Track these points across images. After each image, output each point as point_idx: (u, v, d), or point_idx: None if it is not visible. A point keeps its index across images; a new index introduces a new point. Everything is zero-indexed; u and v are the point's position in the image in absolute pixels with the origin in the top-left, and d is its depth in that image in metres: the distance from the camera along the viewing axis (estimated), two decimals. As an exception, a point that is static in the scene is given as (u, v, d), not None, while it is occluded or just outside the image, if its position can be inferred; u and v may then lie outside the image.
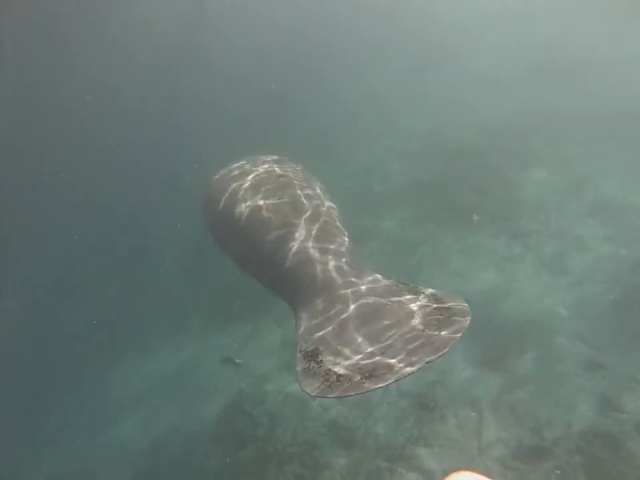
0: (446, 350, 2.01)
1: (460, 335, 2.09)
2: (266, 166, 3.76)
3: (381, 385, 1.92)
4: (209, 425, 6.20)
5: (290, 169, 3.75)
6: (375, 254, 8.14)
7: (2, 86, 12.43)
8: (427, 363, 1.97)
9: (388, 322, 2.28)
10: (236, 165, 4.04)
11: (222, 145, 11.81)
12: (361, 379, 1.96)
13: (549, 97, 11.56)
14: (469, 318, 2.20)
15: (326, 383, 1.99)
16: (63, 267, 10.12)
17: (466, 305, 2.31)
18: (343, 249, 2.91)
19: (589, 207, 7.93)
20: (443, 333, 2.12)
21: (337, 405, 5.78)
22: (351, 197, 9.79)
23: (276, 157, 4.05)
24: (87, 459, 6.67)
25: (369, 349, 2.13)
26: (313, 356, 2.17)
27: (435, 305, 2.34)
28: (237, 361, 6.51)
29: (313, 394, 1.98)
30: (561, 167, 9.09)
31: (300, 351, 2.24)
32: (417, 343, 2.09)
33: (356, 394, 1.92)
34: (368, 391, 1.91)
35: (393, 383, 1.92)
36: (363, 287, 2.57)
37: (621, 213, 7.59)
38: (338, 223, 3.25)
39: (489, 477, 0.93)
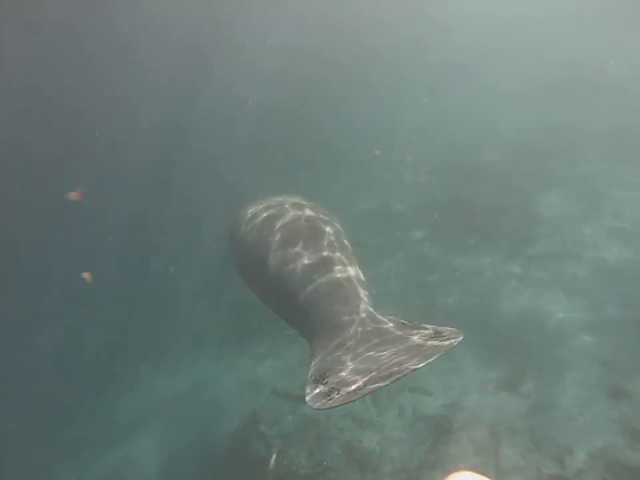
0: (432, 359, 2.36)
1: (448, 348, 2.46)
2: (291, 208, 3.85)
3: (372, 388, 2.28)
4: (223, 445, 6.18)
5: (314, 212, 3.83)
6: (392, 273, 8.11)
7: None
8: (413, 370, 2.32)
9: (389, 350, 2.60)
10: (263, 203, 4.12)
11: (241, 163, 12.10)
12: (356, 389, 2.31)
13: (567, 115, 11.49)
14: (460, 338, 2.58)
15: (328, 397, 2.32)
16: (80, 283, 10.29)
17: (460, 332, 2.66)
18: (359, 294, 3.11)
19: (607, 227, 7.80)
20: (433, 346, 2.49)
21: (352, 426, 5.73)
22: (368, 215, 9.84)
23: (299, 199, 4.17)
24: (100, 477, 6.69)
25: (370, 369, 2.45)
26: (320, 379, 2.50)
27: (432, 333, 2.69)
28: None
29: (316, 407, 2.31)
30: (580, 186, 8.99)
31: (310, 376, 2.57)
32: (407, 356, 2.45)
33: (351, 401, 2.26)
34: (362, 396, 2.27)
35: (383, 387, 2.29)
36: (372, 326, 2.86)
37: (642, 234, 7.45)
38: (357, 266, 3.44)
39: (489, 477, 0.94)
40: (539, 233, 8.09)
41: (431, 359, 2.36)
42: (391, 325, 2.86)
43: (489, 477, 0.91)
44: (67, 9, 12.76)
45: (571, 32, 16.87)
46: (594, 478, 4.53)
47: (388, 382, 2.28)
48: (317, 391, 2.41)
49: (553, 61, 15.29)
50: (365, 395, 2.27)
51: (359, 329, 2.81)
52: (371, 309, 3.00)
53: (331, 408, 2.29)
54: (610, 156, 9.52)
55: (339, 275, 3.16)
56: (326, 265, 3.22)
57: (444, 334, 2.63)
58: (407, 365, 2.35)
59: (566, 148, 10.26)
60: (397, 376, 2.30)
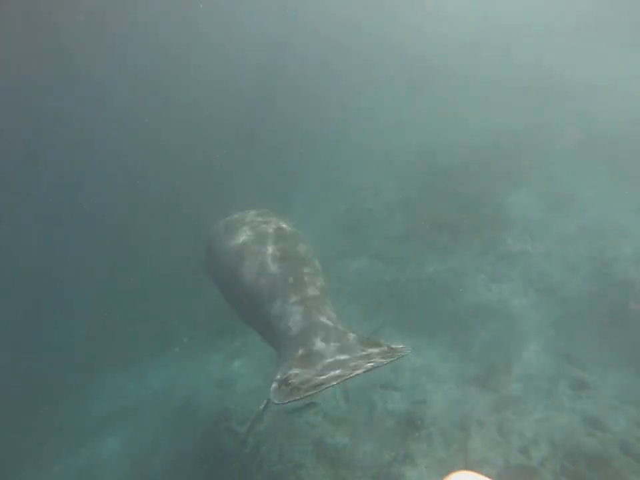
0: (381, 364, 2.80)
1: (395, 357, 2.88)
2: (264, 225, 4.23)
3: (326, 387, 2.66)
4: (193, 443, 6.11)
5: (285, 230, 4.21)
6: (364, 271, 8.18)
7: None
8: (363, 372, 2.73)
9: (345, 358, 2.97)
10: (236, 219, 4.48)
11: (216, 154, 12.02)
12: (314, 386, 2.70)
13: (536, 118, 11.82)
14: (407, 352, 2.98)
15: (290, 395, 2.68)
16: (47, 280, 10.04)
17: (409, 349, 3.06)
18: (324, 308, 3.46)
19: (574, 226, 8.06)
20: (383, 354, 2.92)
21: (323, 423, 5.74)
22: (342, 212, 9.91)
23: (269, 213, 4.56)
24: (67, 478, 6.52)
25: (326, 372, 2.83)
26: (284, 382, 2.85)
27: (386, 348, 3.06)
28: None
29: (277, 401, 2.69)
30: (548, 186, 9.26)
31: (276, 380, 2.91)
32: (359, 362, 2.86)
33: (309, 395, 2.64)
34: (317, 392, 2.64)
35: (336, 384, 2.69)
36: (332, 338, 3.19)
37: (605, 232, 7.72)
38: (323, 281, 3.77)
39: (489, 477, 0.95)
40: (508, 231, 8.30)
41: (380, 364, 2.81)
42: (349, 338, 3.20)
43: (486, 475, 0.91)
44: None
45: (543, 39, 17.39)
46: (555, 466, 4.68)
47: (340, 381, 2.70)
48: (280, 390, 2.78)
49: (525, 65, 15.71)
50: (320, 391, 2.67)
51: (319, 340, 3.15)
52: (332, 323, 3.34)
53: (293, 401, 2.67)
54: (576, 158, 9.84)
55: (305, 292, 3.48)
56: (293, 281, 3.54)
57: (395, 348, 3.04)
58: (358, 368, 2.78)
59: (534, 150, 10.55)
60: (349, 376, 2.72)
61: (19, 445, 7.41)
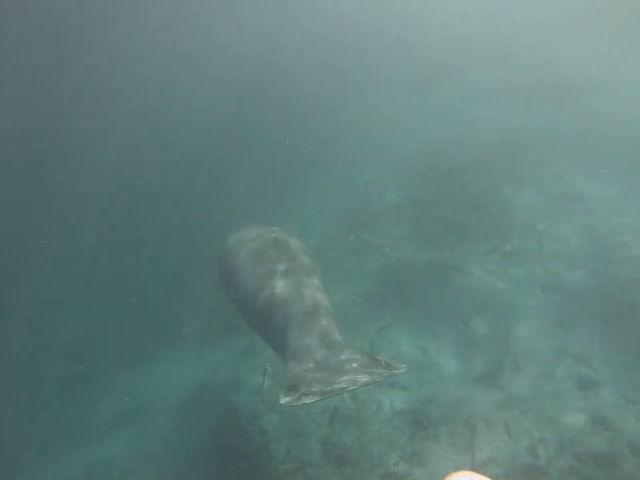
0: (379, 379, 3.12)
1: (391, 374, 3.20)
2: (273, 240, 4.48)
3: (329, 395, 3.00)
4: (201, 441, 6.15)
5: (292, 245, 4.46)
6: (372, 271, 8.18)
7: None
8: (364, 385, 3.05)
9: (346, 371, 3.28)
10: (247, 236, 4.70)
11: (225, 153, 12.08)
12: (320, 393, 3.03)
13: (542, 115, 11.76)
14: (402, 370, 3.27)
15: (297, 400, 3.03)
16: (55, 279, 10.14)
17: (404, 366, 3.33)
18: (329, 324, 3.74)
19: (580, 224, 8.01)
20: (380, 370, 3.23)
21: (330, 423, 5.77)
22: (349, 212, 9.91)
23: (276, 229, 4.79)
24: (76, 476, 6.60)
25: (331, 382, 3.15)
26: (293, 387, 3.17)
27: (383, 363, 3.35)
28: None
29: (286, 405, 3.01)
30: (554, 184, 9.20)
31: (285, 387, 3.21)
32: (358, 374, 3.18)
33: (313, 401, 2.99)
34: (322, 399, 2.99)
35: (337, 394, 3.03)
36: (334, 352, 3.50)
37: (613, 231, 7.67)
38: (328, 296, 4.04)
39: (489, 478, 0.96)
40: (514, 229, 8.26)
41: (376, 380, 3.11)
42: (351, 353, 3.49)
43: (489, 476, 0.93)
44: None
45: (546, 35, 17.29)
46: (563, 465, 4.67)
47: (341, 392, 3.03)
48: (288, 394, 3.10)
49: (528, 62, 15.63)
50: (324, 399, 3.00)
51: (324, 353, 3.46)
52: (337, 338, 3.64)
53: (300, 405, 3.01)
54: (581, 155, 9.77)
55: (312, 308, 3.77)
56: (301, 297, 3.82)
57: (392, 365, 3.32)
58: (357, 381, 3.08)
59: (539, 147, 10.49)
60: (352, 388, 3.04)
61: (29, 442, 7.51)
